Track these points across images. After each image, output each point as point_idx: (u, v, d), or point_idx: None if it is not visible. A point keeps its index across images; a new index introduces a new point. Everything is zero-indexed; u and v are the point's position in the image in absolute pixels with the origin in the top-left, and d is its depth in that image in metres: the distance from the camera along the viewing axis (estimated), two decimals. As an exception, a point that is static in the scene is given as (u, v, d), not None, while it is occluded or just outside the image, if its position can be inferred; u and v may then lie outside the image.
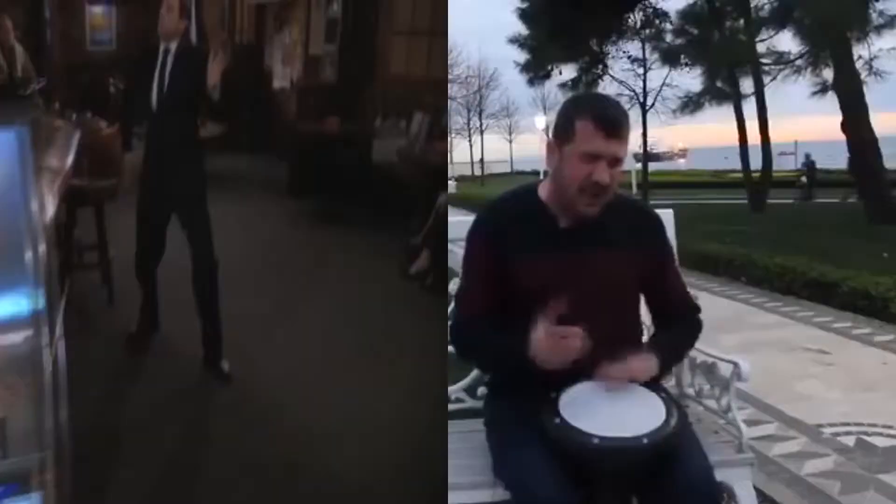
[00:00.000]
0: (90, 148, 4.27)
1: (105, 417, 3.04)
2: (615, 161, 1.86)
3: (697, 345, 2.21)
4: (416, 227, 4.84)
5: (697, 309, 2.09)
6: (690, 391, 2.43)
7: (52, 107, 4.87)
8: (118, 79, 7.22)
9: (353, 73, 7.05)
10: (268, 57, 8.11)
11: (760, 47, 14.68)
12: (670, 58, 17.09)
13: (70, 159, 3.22)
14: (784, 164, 23.56)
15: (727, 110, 16.49)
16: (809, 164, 22.97)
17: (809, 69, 13.56)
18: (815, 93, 13.45)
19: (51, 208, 2.13)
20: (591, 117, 1.84)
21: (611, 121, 1.84)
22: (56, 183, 2.63)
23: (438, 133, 5.68)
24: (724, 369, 2.23)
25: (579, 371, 1.81)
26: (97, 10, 8.23)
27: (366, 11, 7.00)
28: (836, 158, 22.55)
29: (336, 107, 6.62)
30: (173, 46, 3.39)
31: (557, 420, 1.76)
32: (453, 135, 41.62)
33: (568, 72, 17.95)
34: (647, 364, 1.87)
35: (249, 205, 5.97)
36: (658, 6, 17.18)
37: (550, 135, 1.96)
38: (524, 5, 16.96)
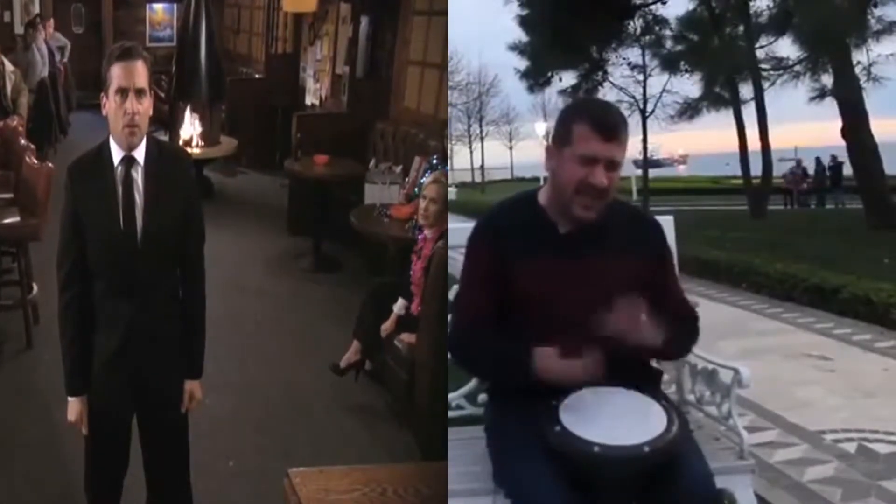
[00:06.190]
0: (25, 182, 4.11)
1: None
2: (612, 164, 1.86)
3: (698, 351, 2.21)
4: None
5: (695, 317, 2.08)
6: (691, 398, 2.43)
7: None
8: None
9: (367, 101, 6.34)
10: (302, 70, 7.78)
11: (759, 53, 14.74)
12: (670, 64, 17.12)
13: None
14: (784, 171, 23.63)
15: (727, 116, 16.53)
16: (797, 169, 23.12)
17: (808, 75, 13.57)
18: (813, 98, 13.46)
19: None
20: (588, 121, 1.85)
21: (608, 124, 1.86)
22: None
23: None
24: (725, 376, 2.23)
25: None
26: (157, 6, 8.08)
27: (384, 32, 6.25)
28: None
29: (343, 139, 5.98)
30: None
31: (557, 427, 1.75)
32: (454, 142, 41.68)
33: (568, 78, 17.94)
34: (653, 327, 1.84)
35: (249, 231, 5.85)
36: (658, 13, 17.23)
37: (549, 139, 1.97)
38: (524, 12, 16.94)
